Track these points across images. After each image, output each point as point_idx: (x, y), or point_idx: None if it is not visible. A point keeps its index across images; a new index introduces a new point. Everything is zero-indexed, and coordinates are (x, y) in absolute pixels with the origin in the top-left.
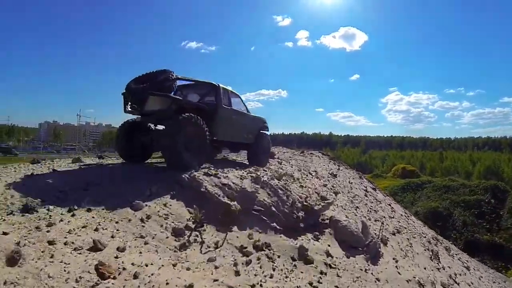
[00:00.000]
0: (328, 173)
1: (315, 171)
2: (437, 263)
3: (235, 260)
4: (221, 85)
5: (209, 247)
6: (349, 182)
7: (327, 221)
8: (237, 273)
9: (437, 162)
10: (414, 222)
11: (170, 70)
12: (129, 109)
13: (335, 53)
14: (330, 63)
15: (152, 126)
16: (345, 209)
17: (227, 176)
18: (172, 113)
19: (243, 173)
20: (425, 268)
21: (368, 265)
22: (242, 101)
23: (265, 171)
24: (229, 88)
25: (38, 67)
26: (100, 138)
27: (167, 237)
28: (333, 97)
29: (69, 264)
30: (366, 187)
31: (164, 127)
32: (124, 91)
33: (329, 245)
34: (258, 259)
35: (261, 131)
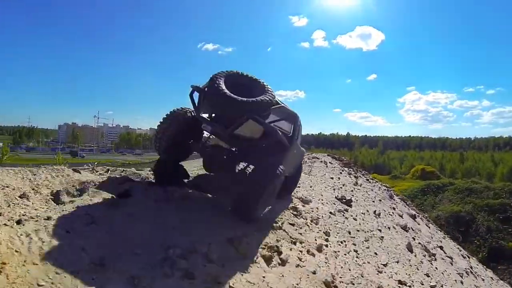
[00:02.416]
0: (337, 198)
1: (319, 196)
2: None
3: None
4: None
5: None
6: (375, 215)
7: None
8: None
9: (457, 163)
10: None
11: (265, 82)
12: (201, 115)
13: (351, 53)
14: (347, 63)
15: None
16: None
17: None
18: (266, 151)
19: None
20: None
21: None
22: None
23: None
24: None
25: (59, 69)
26: (117, 140)
27: None
28: (350, 97)
29: None
30: (406, 222)
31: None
32: (205, 87)
33: None
34: None
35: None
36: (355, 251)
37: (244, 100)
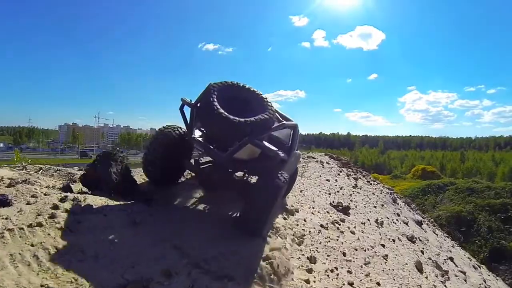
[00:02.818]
0: (332, 205)
1: (310, 202)
2: None
3: None
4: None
5: None
6: (377, 224)
7: None
8: None
9: (458, 162)
10: None
11: (264, 96)
12: (194, 138)
13: (352, 52)
14: (347, 63)
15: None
16: None
17: None
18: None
19: None
20: None
21: None
22: None
23: None
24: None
25: (60, 70)
26: (117, 140)
27: None
28: (351, 97)
29: None
30: (412, 231)
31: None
32: (197, 103)
33: None
34: None
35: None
36: (351, 284)
37: (242, 121)
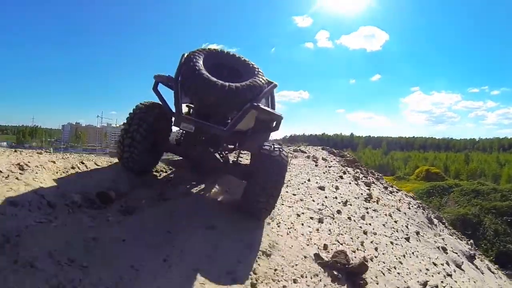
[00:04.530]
0: (323, 261)
1: (276, 251)
2: None
3: None
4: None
5: None
6: None
7: None
8: None
9: (462, 164)
10: None
11: (252, 62)
12: (186, 117)
13: (355, 53)
14: (350, 64)
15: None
16: None
17: None
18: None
19: None
20: None
21: None
22: None
23: None
24: None
25: (64, 69)
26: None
27: None
28: (354, 98)
29: None
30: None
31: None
32: (180, 77)
33: None
34: None
35: None
36: None
37: (240, 87)
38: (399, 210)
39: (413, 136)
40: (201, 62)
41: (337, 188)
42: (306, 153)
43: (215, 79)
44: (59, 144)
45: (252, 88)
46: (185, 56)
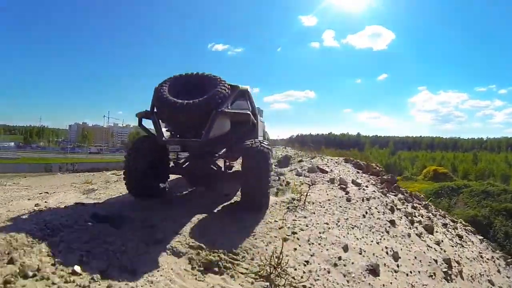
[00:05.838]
0: None
1: None
2: None
3: None
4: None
5: None
6: None
7: None
8: None
9: (470, 164)
10: None
11: (214, 75)
12: (167, 139)
13: (361, 52)
14: (357, 63)
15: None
16: None
17: None
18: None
19: None
20: None
21: None
22: None
23: None
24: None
25: (71, 70)
26: (127, 139)
27: None
28: (360, 97)
29: None
30: None
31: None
32: (154, 107)
33: None
34: None
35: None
36: None
37: (197, 102)
38: None
39: (420, 136)
40: (167, 89)
41: (396, 258)
42: (327, 172)
43: (175, 99)
44: (66, 144)
45: (214, 98)
46: (155, 88)
